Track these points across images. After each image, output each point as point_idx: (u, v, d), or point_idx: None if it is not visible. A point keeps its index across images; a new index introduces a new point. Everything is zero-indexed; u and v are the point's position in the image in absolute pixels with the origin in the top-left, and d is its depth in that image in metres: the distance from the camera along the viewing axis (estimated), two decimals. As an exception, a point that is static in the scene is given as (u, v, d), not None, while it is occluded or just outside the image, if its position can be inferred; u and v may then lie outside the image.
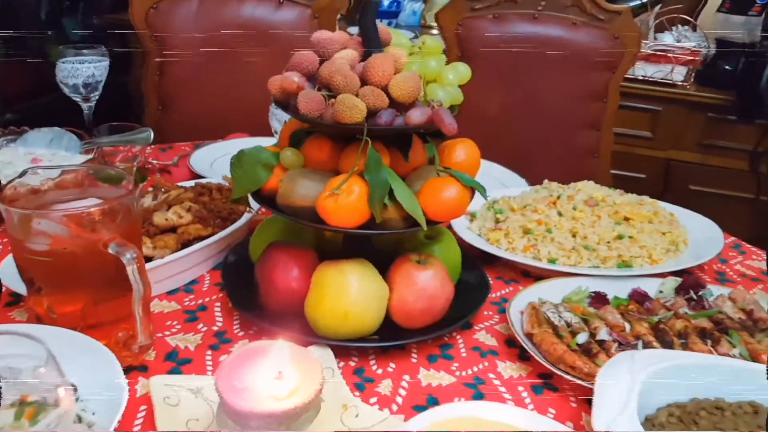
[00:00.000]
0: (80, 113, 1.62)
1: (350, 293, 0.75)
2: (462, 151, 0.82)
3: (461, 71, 0.83)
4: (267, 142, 1.38)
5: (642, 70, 1.97)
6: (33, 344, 0.46)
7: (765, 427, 0.62)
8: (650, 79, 1.98)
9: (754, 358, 0.76)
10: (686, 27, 2.24)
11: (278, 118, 1.14)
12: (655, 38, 2.21)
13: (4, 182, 0.98)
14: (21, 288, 0.79)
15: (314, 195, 0.75)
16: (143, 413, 0.66)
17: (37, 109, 2.20)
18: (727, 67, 1.91)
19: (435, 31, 2.45)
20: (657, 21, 2.27)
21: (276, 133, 1.17)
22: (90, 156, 1.13)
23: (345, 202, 0.71)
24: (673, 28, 2.26)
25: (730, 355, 0.76)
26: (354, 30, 2.39)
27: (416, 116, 0.72)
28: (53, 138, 1.19)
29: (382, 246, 0.88)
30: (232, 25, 1.67)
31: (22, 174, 0.70)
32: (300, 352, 0.60)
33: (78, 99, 1.24)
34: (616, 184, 1.66)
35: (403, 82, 0.71)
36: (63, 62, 1.22)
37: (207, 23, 1.65)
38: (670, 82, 1.96)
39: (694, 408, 0.64)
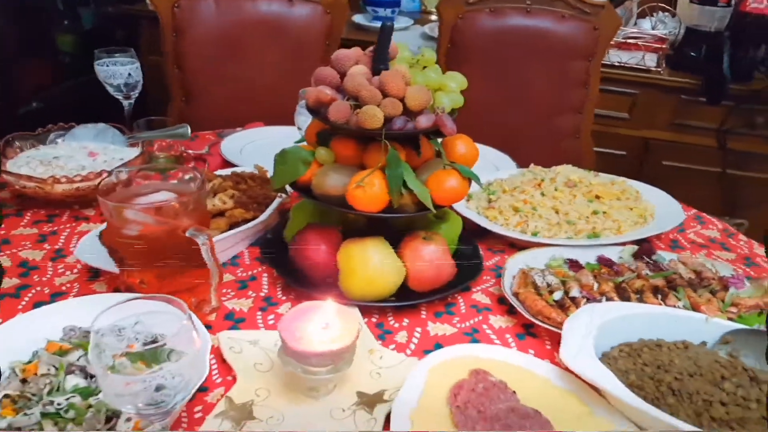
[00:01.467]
0: (98, 102, 1.79)
1: (372, 265, 0.94)
2: (462, 146, 1.00)
3: (459, 79, 0.99)
4: (283, 130, 1.57)
5: (618, 56, 2.14)
6: (173, 307, 0.63)
7: (693, 359, 0.82)
8: (627, 65, 2.15)
9: (694, 308, 0.96)
10: (666, 14, 2.41)
11: (306, 117, 1.29)
12: (636, 24, 2.38)
13: (70, 175, 1.16)
14: (100, 264, 0.98)
15: (342, 186, 0.93)
16: (213, 359, 0.85)
17: (57, 99, 2.34)
18: (693, 53, 2.08)
19: (434, 17, 2.59)
20: (640, 9, 2.43)
21: (300, 129, 1.33)
22: (137, 149, 1.30)
23: (369, 192, 0.89)
24: (654, 14, 2.42)
25: (676, 307, 0.96)
26: (358, 18, 2.54)
27: (424, 121, 0.90)
28: (98, 132, 1.36)
29: (399, 224, 1.05)
30: (249, 20, 1.82)
31: (111, 173, 0.87)
32: (341, 308, 0.79)
33: (120, 96, 1.40)
34: (599, 162, 1.85)
35: (417, 94, 0.89)
36: (98, 65, 1.38)
37: (225, 19, 1.80)
38: (645, 67, 2.14)
39: (638, 346, 0.84)
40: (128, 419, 0.68)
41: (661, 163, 2.27)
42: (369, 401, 0.78)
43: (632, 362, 0.80)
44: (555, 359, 0.88)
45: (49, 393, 0.70)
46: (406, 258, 0.97)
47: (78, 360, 0.74)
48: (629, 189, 1.28)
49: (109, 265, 0.97)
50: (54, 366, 0.73)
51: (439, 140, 1.00)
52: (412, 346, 0.91)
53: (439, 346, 0.90)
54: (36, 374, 0.72)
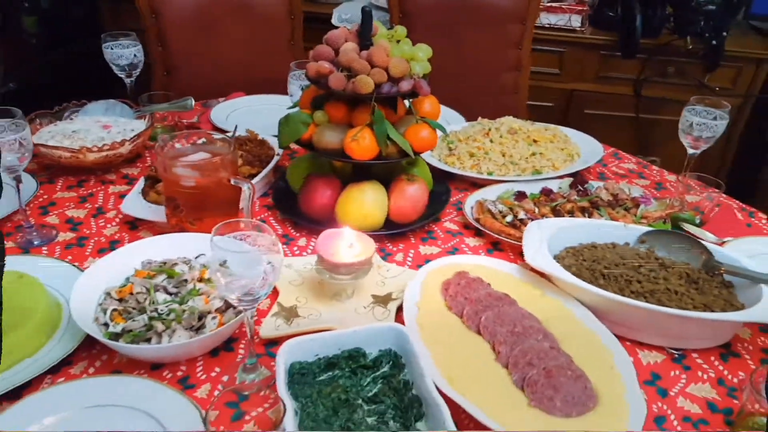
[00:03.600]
0: (74, 78, 1.91)
1: (367, 203, 1.19)
2: (428, 104, 1.25)
3: (426, 50, 1.23)
4: (260, 98, 1.78)
5: (548, 19, 2.41)
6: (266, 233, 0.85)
7: (619, 254, 1.11)
8: (556, 26, 2.43)
9: (612, 219, 1.26)
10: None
11: (299, 85, 1.50)
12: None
13: (89, 145, 1.34)
14: (143, 214, 1.19)
15: (338, 141, 1.17)
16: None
17: (31, 78, 2.44)
18: (610, 13, 2.38)
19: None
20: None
21: (292, 94, 1.54)
22: (144, 121, 1.48)
23: (362, 144, 1.13)
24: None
25: (600, 222, 1.25)
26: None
27: (405, 86, 1.15)
28: (107, 108, 1.53)
29: (380, 170, 1.30)
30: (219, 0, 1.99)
31: (157, 140, 1.08)
32: (360, 234, 1.04)
33: (123, 75, 1.57)
34: (531, 113, 2.13)
35: (398, 64, 1.12)
36: (105, 47, 1.54)
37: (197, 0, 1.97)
38: (571, 27, 2.43)
39: (579, 248, 1.13)
40: (213, 317, 0.91)
41: (583, 111, 2.59)
42: (382, 300, 1.04)
43: (575, 259, 1.09)
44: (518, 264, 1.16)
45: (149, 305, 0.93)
46: (393, 197, 1.23)
47: (162, 282, 0.97)
48: (560, 134, 1.57)
49: (150, 215, 1.19)
50: (145, 287, 0.95)
51: (408, 100, 1.25)
52: (409, 262, 1.18)
53: (428, 261, 1.16)
54: (132, 293, 0.94)
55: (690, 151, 1.39)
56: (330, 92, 1.16)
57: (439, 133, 1.24)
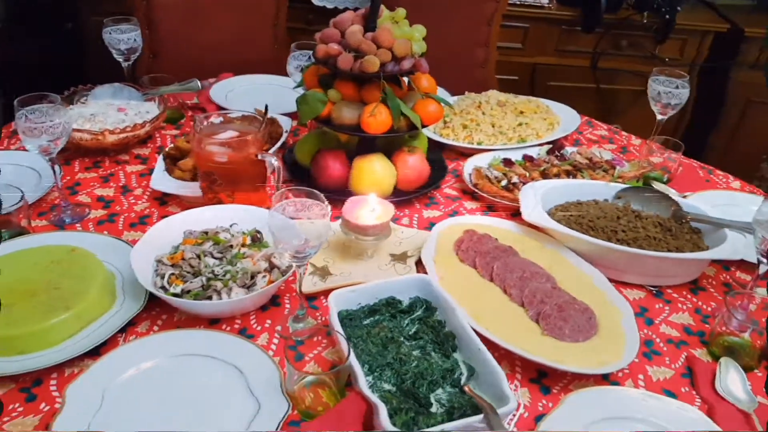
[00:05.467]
0: (50, 64, 1.96)
1: (377, 172, 1.31)
2: (426, 80, 1.37)
3: (421, 30, 1.35)
4: (252, 78, 1.86)
5: (515, -4, 2.57)
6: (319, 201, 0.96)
7: (601, 208, 1.27)
8: (526, 2, 2.58)
9: (593, 179, 1.42)
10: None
11: (295, 66, 1.60)
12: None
13: (108, 127, 1.42)
14: (172, 189, 1.28)
15: (353, 116, 1.28)
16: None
17: (15, 68, 2.44)
18: (573, -11, 2.55)
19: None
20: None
21: (291, 74, 1.63)
22: (154, 103, 1.56)
23: (378, 119, 1.25)
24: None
25: (582, 183, 1.41)
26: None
27: (407, 64, 1.27)
28: (114, 91, 1.60)
29: (383, 144, 1.42)
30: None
31: (194, 122, 1.17)
32: (380, 200, 1.16)
33: (121, 59, 1.63)
34: (500, 87, 2.27)
35: (402, 45, 1.24)
36: (105, 31, 1.60)
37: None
38: (539, 4, 2.58)
39: (566, 205, 1.28)
40: (263, 276, 1.03)
41: (546, 83, 2.76)
42: (399, 258, 1.18)
43: (563, 215, 1.25)
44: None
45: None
46: (400, 167, 1.35)
47: (209, 248, 1.07)
48: (542, 105, 1.72)
49: (179, 190, 1.28)
50: (195, 253, 1.06)
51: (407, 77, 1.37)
52: (415, 225, 1.31)
53: (432, 224, 1.29)
54: (184, 259, 1.05)
55: (659, 117, 1.55)
56: (336, 71, 1.27)
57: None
